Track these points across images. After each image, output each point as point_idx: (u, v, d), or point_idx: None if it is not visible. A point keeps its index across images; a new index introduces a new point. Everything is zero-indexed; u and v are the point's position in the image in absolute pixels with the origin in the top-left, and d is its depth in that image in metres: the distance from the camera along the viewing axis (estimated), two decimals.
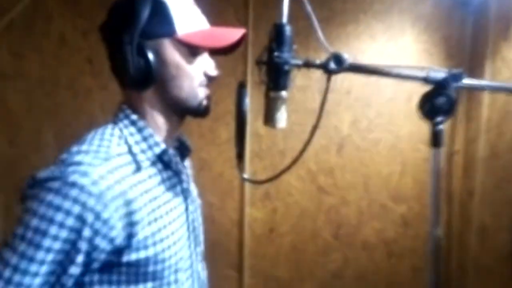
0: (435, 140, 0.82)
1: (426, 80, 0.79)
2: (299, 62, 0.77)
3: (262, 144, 1.89)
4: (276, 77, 0.76)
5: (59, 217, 0.61)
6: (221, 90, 1.84)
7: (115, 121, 0.75)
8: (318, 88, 1.87)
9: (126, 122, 0.74)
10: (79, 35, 1.83)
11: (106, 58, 0.75)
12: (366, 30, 1.87)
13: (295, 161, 0.81)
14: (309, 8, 0.80)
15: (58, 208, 0.61)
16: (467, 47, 1.90)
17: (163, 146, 0.75)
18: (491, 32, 1.73)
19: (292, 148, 1.88)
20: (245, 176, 0.86)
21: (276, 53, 0.74)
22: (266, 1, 1.84)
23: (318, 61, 0.77)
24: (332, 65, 0.74)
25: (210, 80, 0.78)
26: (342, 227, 1.94)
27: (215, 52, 0.79)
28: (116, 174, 0.66)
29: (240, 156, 0.82)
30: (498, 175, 1.70)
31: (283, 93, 0.78)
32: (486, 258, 1.77)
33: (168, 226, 0.73)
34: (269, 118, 0.78)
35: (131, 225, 0.66)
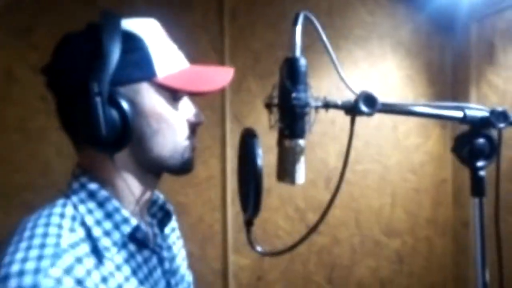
0: (477, 188, 0.70)
1: (463, 120, 0.67)
2: (319, 103, 0.62)
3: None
4: (293, 123, 0.61)
5: None
6: None
7: (67, 195, 0.56)
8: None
9: (82, 195, 0.55)
10: (30, 69, 1.60)
11: None
12: (348, 57, 1.79)
13: (319, 221, 0.66)
14: (326, 41, 0.66)
15: None
16: (449, 73, 1.86)
17: (134, 222, 0.56)
18: (473, 57, 1.70)
19: (279, 186, 1.72)
20: (259, 249, 0.69)
21: (294, 95, 0.59)
22: (242, 29, 1.71)
23: (339, 102, 0.64)
24: (363, 107, 0.60)
25: (195, 129, 0.62)
26: (335, 269, 1.78)
27: (193, 94, 0.63)
28: (76, 272, 0.48)
29: (250, 223, 0.66)
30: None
31: (301, 142, 0.62)
32: None
33: None
34: (286, 173, 0.63)
35: None
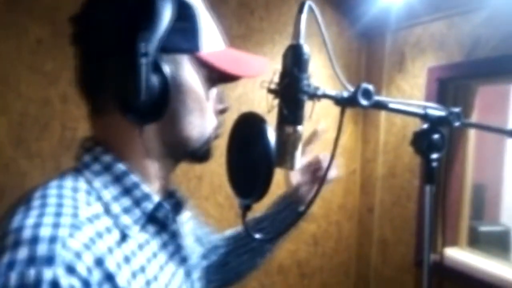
0: (430, 176, 0.82)
1: (425, 117, 0.78)
2: (321, 92, 0.66)
3: (177, 168, 1.66)
4: (297, 110, 0.63)
5: None
6: None
7: (77, 168, 0.50)
8: (238, 107, 1.76)
9: (96, 167, 0.49)
10: None
11: None
12: (281, 51, 1.84)
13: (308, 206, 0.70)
14: (325, 34, 0.69)
15: None
16: (363, 75, 2.08)
17: (156, 199, 0.52)
18: (386, 63, 1.94)
19: (211, 172, 1.71)
20: (258, 236, 0.70)
21: (305, 82, 0.61)
22: None
23: (333, 93, 0.69)
24: (362, 100, 0.66)
25: (217, 115, 0.60)
26: None
27: (228, 79, 0.61)
28: (96, 248, 0.43)
29: (248, 208, 0.66)
30: (396, 193, 1.89)
31: (301, 128, 0.65)
32: (387, 269, 1.95)
33: None
34: (286, 159, 0.64)
35: None
